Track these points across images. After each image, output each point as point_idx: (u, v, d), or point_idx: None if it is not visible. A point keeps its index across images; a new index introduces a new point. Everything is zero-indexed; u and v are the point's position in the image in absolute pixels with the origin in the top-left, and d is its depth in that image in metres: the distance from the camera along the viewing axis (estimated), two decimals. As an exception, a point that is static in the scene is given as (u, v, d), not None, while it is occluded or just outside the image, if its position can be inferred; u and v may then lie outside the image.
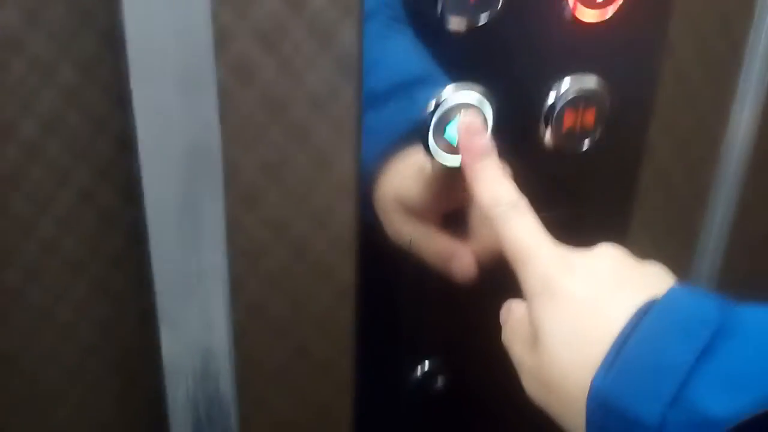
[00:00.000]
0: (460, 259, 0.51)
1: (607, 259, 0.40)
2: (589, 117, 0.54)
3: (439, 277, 0.54)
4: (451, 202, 0.52)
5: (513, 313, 0.44)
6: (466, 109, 0.50)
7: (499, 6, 0.48)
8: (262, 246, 0.50)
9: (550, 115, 0.53)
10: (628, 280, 0.39)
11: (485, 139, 0.48)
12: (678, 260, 0.65)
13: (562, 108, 0.53)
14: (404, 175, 0.51)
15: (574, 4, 0.50)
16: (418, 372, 0.58)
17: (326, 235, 0.51)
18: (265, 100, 0.45)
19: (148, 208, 0.45)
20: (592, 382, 0.35)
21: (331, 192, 0.49)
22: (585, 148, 0.55)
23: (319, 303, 0.53)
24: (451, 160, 0.51)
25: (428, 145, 0.51)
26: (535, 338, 0.40)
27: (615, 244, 0.41)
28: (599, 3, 0.51)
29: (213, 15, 0.41)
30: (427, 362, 0.58)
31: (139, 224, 0.45)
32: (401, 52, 0.50)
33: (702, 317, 0.34)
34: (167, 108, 0.43)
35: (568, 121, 0.53)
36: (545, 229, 0.43)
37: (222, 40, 0.43)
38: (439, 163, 0.51)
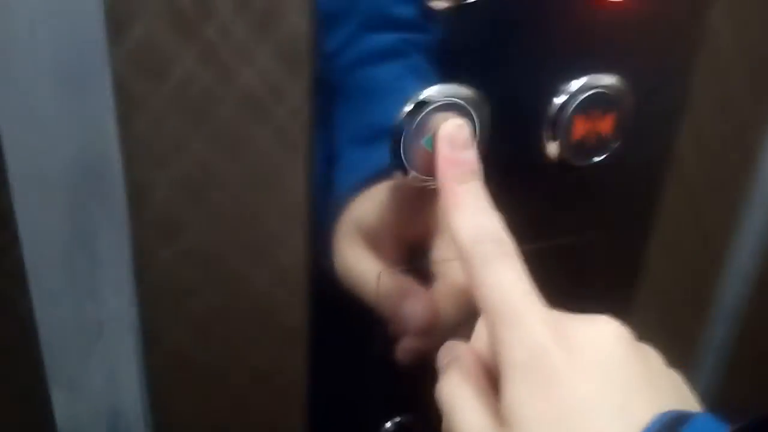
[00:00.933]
0: (414, 302, 0.42)
1: (614, 346, 0.31)
2: (605, 125, 0.43)
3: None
4: (416, 233, 0.43)
5: (462, 362, 0.35)
6: (449, 114, 0.39)
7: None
8: (185, 285, 0.39)
9: (557, 122, 0.42)
10: (637, 380, 0.30)
11: (471, 155, 0.38)
12: (701, 291, 0.54)
13: (572, 113, 0.42)
14: (370, 199, 0.41)
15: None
16: (384, 435, 0.48)
17: (268, 270, 0.40)
18: (181, 100, 0.34)
19: (25, 243, 0.34)
20: None
21: (273, 218, 0.39)
22: (596, 161, 0.44)
23: (260, 352, 0.42)
24: (426, 178, 0.40)
25: (400, 157, 0.40)
26: (501, 418, 0.32)
27: (616, 321, 0.32)
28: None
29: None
30: (391, 424, 0.48)
31: (18, 264, 0.35)
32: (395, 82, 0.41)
33: None
34: (43, 113, 0.32)
35: (579, 129, 0.43)
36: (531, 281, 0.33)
37: (119, 21, 0.32)
38: (411, 181, 0.40)
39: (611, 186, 0.46)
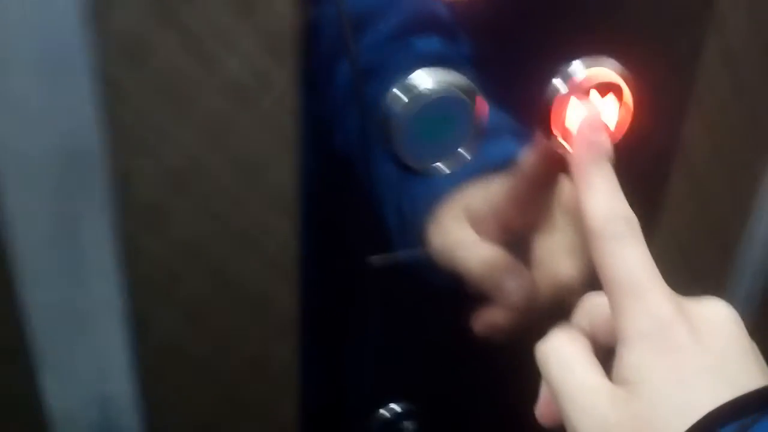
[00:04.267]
0: (517, 277, 0.44)
1: (730, 325, 0.35)
2: (607, 110, 0.42)
3: (402, 308, 0.43)
4: (522, 225, 0.46)
5: (568, 328, 0.37)
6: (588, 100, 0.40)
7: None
8: (173, 273, 0.39)
9: (553, 107, 0.41)
10: (748, 357, 0.34)
11: (607, 139, 0.40)
12: (711, 283, 0.53)
13: (571, 99, 0.41)
14: (482, 188, 0.46)
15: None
16: (375, 425, 0.48)
17: (257, 259, 0.39)
18: (164, 88, 0.34)
19: (10, 230, 0.34)
20: None
21: (261, 206, 0.38)
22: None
23: (251, 340, 0.42)
24: (418, 169, 0.39)
25: (389, 148, 0.39)
26: (617, 379, 0.34)
27: (729, 305, 0.36)
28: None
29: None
30: (383, 412, 0.47)
31: (3, 251, 0.35)
32: None
33: None
34: (25, 101, 0.32)
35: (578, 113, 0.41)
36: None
37: (100, 7, 0.31)
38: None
39: (618, 175, 0.45)
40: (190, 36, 0.33)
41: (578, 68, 0.41)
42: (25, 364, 0.38)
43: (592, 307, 0.40)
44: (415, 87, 0.38)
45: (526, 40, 0.49)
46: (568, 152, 0.41)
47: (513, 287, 0.44)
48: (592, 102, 0.41)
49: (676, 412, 0.32)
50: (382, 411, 0.48)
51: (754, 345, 0.35)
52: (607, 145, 0.39)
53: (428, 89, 0.38)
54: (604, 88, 0.42)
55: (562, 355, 0.36)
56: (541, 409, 0.39)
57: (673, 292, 0.35)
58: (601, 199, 0.37)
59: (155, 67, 0.33)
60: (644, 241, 0.36)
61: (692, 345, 0.33)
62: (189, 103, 0.34)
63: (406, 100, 0.38)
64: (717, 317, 0.35)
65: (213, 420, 0.44)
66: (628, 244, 0.36)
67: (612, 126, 0.43)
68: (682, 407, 0.32)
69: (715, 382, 0.33)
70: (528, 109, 0.44)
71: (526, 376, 0.52)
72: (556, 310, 0.43)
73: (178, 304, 0.40)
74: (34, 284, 0.35)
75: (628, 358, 0.34)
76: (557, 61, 0.41)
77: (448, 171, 0.42)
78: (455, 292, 0.47)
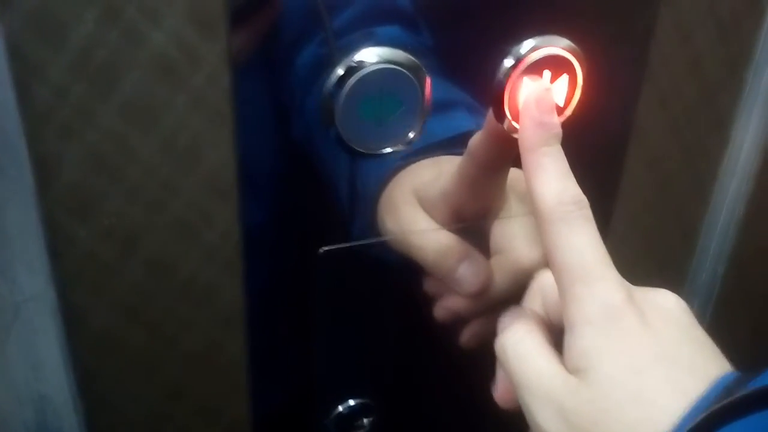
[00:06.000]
0: (472, 263, 0.44)
1: (680, 312, 0.35)
2: (556, 90, 0.40)
3: (356, 300, 0.42)
4: (474, 208, 0.45)
5: (525, 318, 0.37)
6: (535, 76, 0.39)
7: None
8: (106, 264, 0.37)
9: (505, 87, 0.40)
10: (701, 343, 0.34)
11: (556, 120, 0.39)
12: (672, 268, 0.52)
13: (523, 80, 0.40)
14: (431, 168, 0.45)
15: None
16: (331, 422, 0.46)
17: (196, 248, 0.38)
18: (85, 65, 0.32)
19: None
20: None
21: (197, 192, 0.37)
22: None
23: (194, 334, 0.40)
24: (365, 152, 0.38)
25: (334, 125, 0.38)
26: (570, 366, 0.34)
27: (676, 295, 0.35)
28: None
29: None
30: (340, 408, 0.46)
31: None
32: None
33: None
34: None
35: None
36: None
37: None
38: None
39: (570, 156, 0.44)
40: (109, 10, 0.31)
41: (528, 47, 0.40)
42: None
43: (544, 287, 0.39)
44: (354, 61, 0.37)
45: (482, 22, 0.48)
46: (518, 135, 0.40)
47: (467, 275, 0.43)
48: (542, 81, 0.40)
49: (631, 398, 0.31)
50: (339, 408, 0.46)
51: (705, 334, 0.34)
52: (556, 125, 0.38)
53: (367, 62, 0.37)
54: (556, 68, 0.41)
55: (519, 347, 0.36)
56: (499, 392, 0.38)
57: (623, 280, 0.35)
58: (551, 180, 0.36)
59: (73, 45, 0.32)
60: (595, 226, 0.35)
61: (644, 331, 0.33)
62: (113, 81, 0.33)
63: (342, 73, 0.36)
64: (667, 305, 0.35)
65: (158, 417, 0.42)
66: (579, 228, 0.35)
67: (564, 105, 0.42)
68: (636, 393, 0.31)
69: (669, 368, 0.32)
70: (483, 91, 0.43)
71: (485, 370, 0.50)
72: (515, 295, 0.42)
73: (114, 296, 0.38)
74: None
75: (577, 345, 0.33)
76: (510, 42, 0.40)
77: (395, 154, 0.41)
78: (410, 279, 0.45)
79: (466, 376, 0.50)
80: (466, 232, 0.44)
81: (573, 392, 0.33)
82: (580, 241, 0.35)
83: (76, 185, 0.34)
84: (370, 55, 0.38)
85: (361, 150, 0.40)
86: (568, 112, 0.42)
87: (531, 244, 0.44)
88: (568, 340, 0.34)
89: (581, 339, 0.33)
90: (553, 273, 0.35)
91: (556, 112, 0.39)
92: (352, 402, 0.47)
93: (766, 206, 0.49)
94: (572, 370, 0.33)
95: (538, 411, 0.33)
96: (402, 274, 0.45)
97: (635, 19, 0.43)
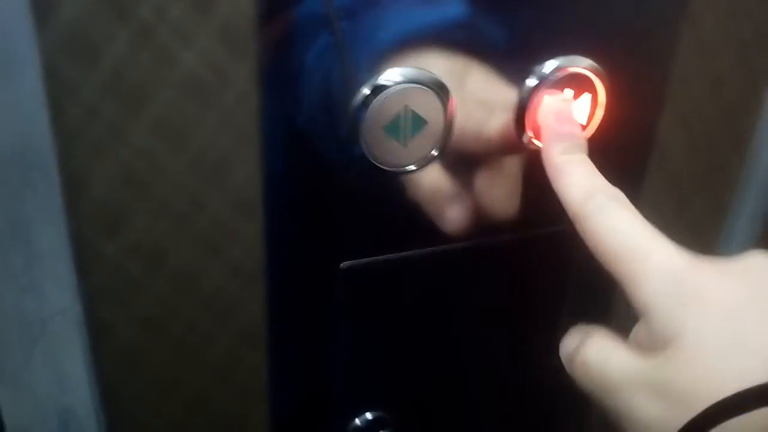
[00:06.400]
0: (459, 207, 0.42)
1: (759, 266, 0.32)
2: (579, 109, 0.41)
3: (375, 315, 0.42)
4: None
5: (595, 330, 0.35)
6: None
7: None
8: (133, 280, 0.37)
9: (529, 105, 0.40)
10: None
11: (577, 129, 0.38)
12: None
13: (544, 98, 0.40)
14: None
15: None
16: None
17: (220, 264, 0.38)
18: (117, 85, 0.32)
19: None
20: None
21: (223, 208, 0.37)
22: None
23: (216, 348, 0.41)
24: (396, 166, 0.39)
25: (358, 143, 0.38)
26: (658, 345, 0.31)
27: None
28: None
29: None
30: (357, 421, 0.46)
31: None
32: None
33: None
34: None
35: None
36: None
37: (47, 2, 0.30)
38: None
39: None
40: (142, 31, 0.32)
41: (551, 67, 0.41)
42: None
43: None
44: (378, 81, 0.37)
45: (504, 42, 0.48)
46: (541, 149, 0.40)
47: (453, 216, 0.42)
48: (564, 98, 0.40)
49: (727, 345, 0.30)
50: (356, 420, 0.47)
51: None
52: (577, 135, 0.38)
53: (392, 82, 0.37)
54: (578, 86, 0.42)
55: (603, 351, 0.34)
56: None
57: (680, 248, 0.33)
58: (576, 182, 0.35)
59: (106, 65, 0.32)
60: (634, 209, 0.34)
61: (719, 283, 0.31)
62: (143, 102, 0.33)
63: (368, 92, 0.37)
64: (733, 259, 0.32)
65: (179, 429, 0.42)
66: (616, 212, 0.34)
67: (586, 123, 0.42)
68: (731, 341, 0.30)
69: (758, 311, 0.30)
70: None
71: (504, 384, 0.51)
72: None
73: (139, 311, 0.38)
74: (-15, 292, 0.34)
75: (654, 321, 0.31)
76: (532, 62, 0.40)
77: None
78: (430, 293, 0.46)
79: (486, 394, 0.50)
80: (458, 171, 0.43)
81: (662, 366, 0.31)
82: (621, 224, 0.33)
83: (105, 202, 0.35)
84: (394, 75, 0.39)
85: (385, 168, 0.40)
86: (590, 130, 0.42)
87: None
88: (643, 323, 0.32)
89: (656, 313, 0.31)
90: (608, 267, 0.33)
91: (576, 123, 0.39)
92: (369, 415, 0.47)
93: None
94: (657, 347, 0.31)
95: (632, 403, 0.31)
96: (423, 289, 0.46)
97: (657, 38, 0.43)
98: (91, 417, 0.39)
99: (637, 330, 0.33)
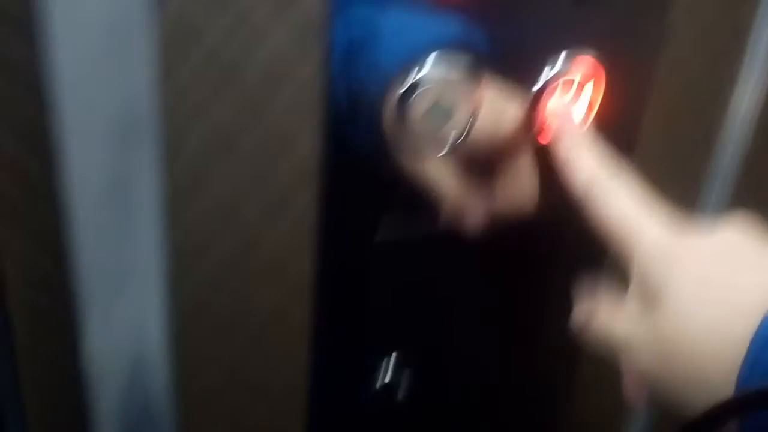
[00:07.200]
0: (475, 212, 0.49)
1: (739, 231, 0.37)
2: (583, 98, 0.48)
3: (408, 276, 0.49)
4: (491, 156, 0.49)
5: (602, 303, 0.41)
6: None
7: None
8: (205, 237, 0.43)
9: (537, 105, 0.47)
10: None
11: (577, 130, 0.45)
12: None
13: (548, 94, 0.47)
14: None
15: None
16: (381, 379, 0.52)
17: (277, 226, 0.45)
18: (211, 66, 0.39)
19: (71, 184, 0.38)
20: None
21: (286, 177, 0.43)
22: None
23: (271, 298, 0.47)
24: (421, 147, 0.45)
25: (398, 126, 0.45)
26: (649, 306, 0.37)
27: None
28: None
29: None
30: (390, 363, 0.52)
31: (63, 202, 0.39)
32: None
33: None
34: (92, 68, 0.37)
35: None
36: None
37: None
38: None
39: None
40: (233, 25, 0.39)
41: (557, 65, 0.48)
42: (72, 307, 0.41)
43: None
44: (412, 79, 0.44)
45: (512, 40, 0.54)
46: (548, 146, 0.46)
47: (472, 215, 0.49)
48: (562, 97, 0.47)
49: (701, 308, 0.34)
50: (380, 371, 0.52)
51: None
52: (579, 133, 0.44)
53: (426, 80, 0.44)
54: (581, 81, 0.48)
55: (610, 316, 0.40)
56: (630, 390, 0.40)
57: (675, 218, 0.38)
58: (585, 165, 0.41)
59: (202, 46, 0.39)
60: (633, 186, 0.39)
61: (696, 253, 0.36)
62: (230, 81, 0.40)
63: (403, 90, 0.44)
64: (716, 230, 0.37)
65: (232, 377, 0.48)
66: (614, 191, 0.39)
67: (585, 116, 0.49)
68: (703, 302, 0.34)
69: (726, 273, 0.35)
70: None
71: (512, 342, 0.57)
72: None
73: (208, 264, 0.44)
74: (88, 232, 0.39)
75: (648, 285, 0.36)
76: (539, 60, 0.47)
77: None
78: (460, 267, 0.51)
79: (496, 346, 0.56)
80: (478, 171, 0.49)
81: (653, 323, 0.36)
82: (619, 201, 0.39)
83: (190, 167, 0.41)
84: (425, 74, 0.45)
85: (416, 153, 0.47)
86: (587, 123, 0.50)
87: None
88: (636, 287, 0.38)
89: (648, 280, 0.37)
90: (611, 243, 0.39)
91: (575, 123, 0.46)
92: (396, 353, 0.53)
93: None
94: (649, 308, 0.37)
95: (634, 358, 0.37)
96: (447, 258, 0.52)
97: (637, 55, 0.51)
98: (161, 363, 0.44)
99: (631, 294, 0.39)
